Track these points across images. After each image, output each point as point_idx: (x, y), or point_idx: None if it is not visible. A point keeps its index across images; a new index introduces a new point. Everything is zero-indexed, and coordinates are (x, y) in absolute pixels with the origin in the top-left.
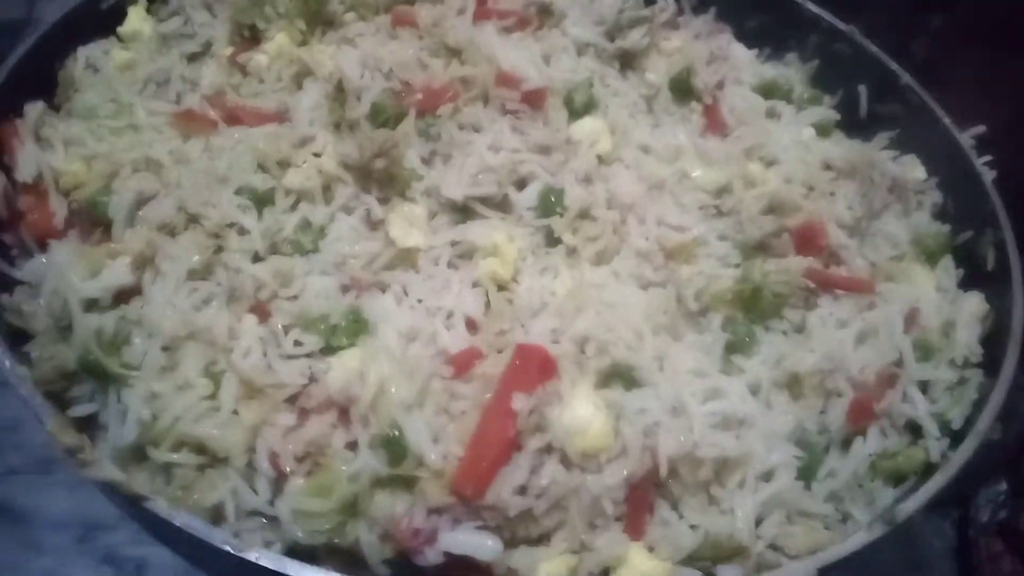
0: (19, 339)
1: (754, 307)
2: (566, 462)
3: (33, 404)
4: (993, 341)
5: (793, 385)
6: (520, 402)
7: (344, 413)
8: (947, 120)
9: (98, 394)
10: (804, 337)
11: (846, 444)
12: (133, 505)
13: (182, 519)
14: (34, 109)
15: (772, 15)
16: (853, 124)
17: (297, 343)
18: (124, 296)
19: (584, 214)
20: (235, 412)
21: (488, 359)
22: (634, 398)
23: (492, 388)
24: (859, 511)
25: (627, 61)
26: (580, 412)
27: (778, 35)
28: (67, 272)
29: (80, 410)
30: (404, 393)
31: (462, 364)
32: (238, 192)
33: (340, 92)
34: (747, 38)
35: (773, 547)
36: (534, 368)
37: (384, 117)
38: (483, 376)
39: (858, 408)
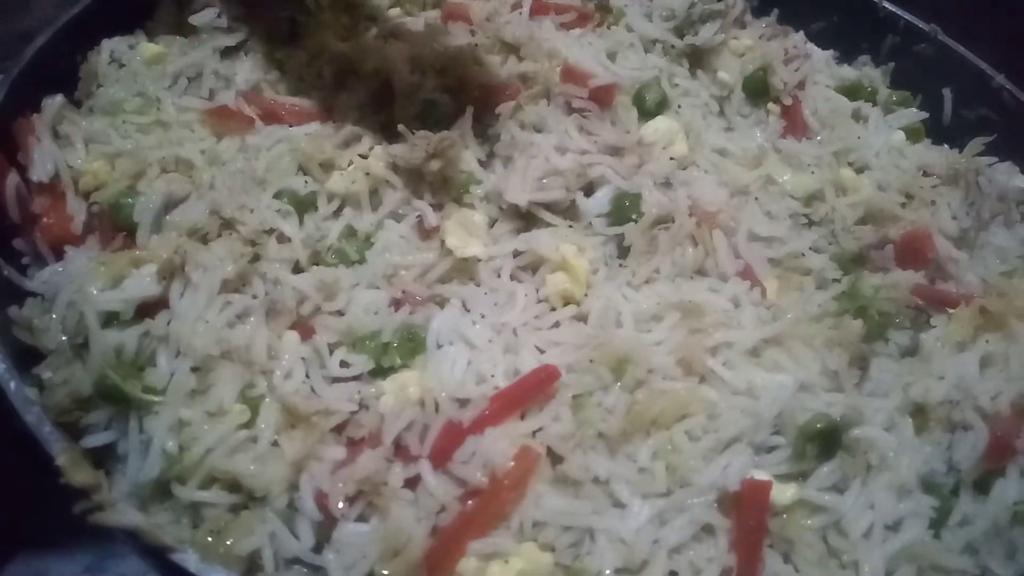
0: (29, 358)
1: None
2: None
3: (41, 433)
4: None
5: (917, 417)
6: None
7: (400, 446)
8: None
9: (117, 421)
10: (920, 361)
11: (978, 485)
12: (156, 555)
13: None
14: (53, 104)
15: (842, 16)
16: (936, 131)
17: (344, 364)
18: (148, 310)
19: (662, 220)
20: (275, 444)
21: None
22: None
23: None
24: (999, 565)
25: (697, 59)
26: None
27: (847, 37)
28: (85, 282)
29: (95, 440)
30: None
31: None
32: (277, 196)
33: (388, 89)
34: (813, 40)
35: None
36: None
37: (437, 116)
38: None
39: (998, 445)
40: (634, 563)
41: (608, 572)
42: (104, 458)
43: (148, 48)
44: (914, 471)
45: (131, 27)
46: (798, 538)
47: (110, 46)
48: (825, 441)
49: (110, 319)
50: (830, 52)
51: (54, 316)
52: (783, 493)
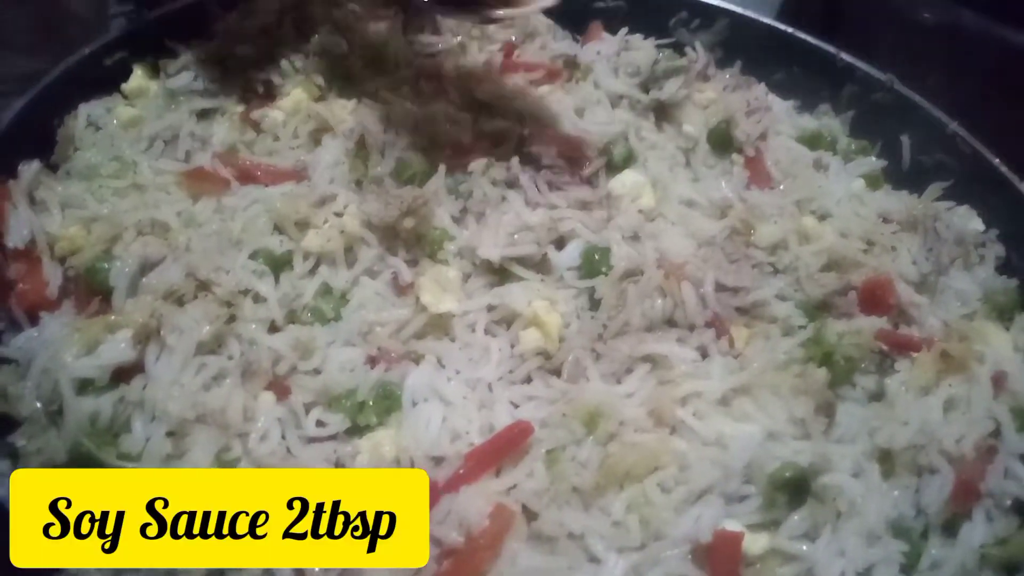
0: (3, 426)
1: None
2: None
3: None
4: None
5: (884, 462)
6: None
7: None
8: (1004, 168)
9: None
10: (885, 406)
11: (947, 529)
12: None
13: None
14: (29, 169)
15: (801, 67)
16: (896, 177)
17: (320, 423)
18: (124, 374)
19: (631, 273)
20: None
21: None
22: None
23: None
24: None
25: (662, 113)
26: None
27: (808, 87)
28: (59, 349)
29: None
30: None
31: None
32: (253, 256)
33: (362, 148)
34: (775, 90)
35: None
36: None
37: (411, 173)
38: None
39: (963, 488)
40: None
41: None
42: None
43: (125, 111)
44: (883, 516)
45: (109, 89)
46: None
47: (87, 110)
48: (794, 489)
49: (85, 385)
50: (791, 102)
51: (29, 383)
52: (755, 543)
